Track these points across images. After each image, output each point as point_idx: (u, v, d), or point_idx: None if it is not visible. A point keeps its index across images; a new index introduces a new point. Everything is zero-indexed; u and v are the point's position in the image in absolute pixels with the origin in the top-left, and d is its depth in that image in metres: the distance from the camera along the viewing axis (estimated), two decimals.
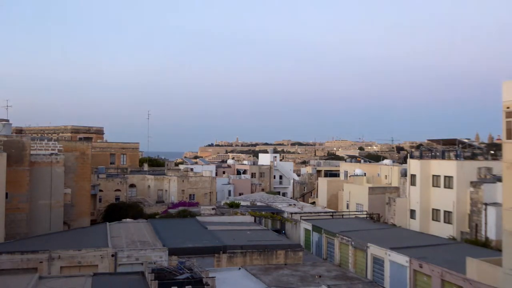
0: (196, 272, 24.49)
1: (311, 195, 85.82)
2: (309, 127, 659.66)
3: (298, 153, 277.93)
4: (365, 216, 56.31)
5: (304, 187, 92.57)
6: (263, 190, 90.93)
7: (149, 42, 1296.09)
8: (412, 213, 50.98)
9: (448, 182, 47.51)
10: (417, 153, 57.87)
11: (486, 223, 40.98)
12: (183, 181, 70.32)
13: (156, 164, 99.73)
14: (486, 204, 41.16)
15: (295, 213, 56.35)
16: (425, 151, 57.01)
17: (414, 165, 51.51)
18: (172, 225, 42.32)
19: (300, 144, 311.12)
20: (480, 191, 42.37)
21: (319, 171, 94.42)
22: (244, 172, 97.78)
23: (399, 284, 33.08)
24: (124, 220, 44.51)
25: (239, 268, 30.11)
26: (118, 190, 67.08)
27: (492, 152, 56.03)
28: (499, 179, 38.13)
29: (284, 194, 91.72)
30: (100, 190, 61.61)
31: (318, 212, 58.56)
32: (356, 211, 59.79)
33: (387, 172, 65.70)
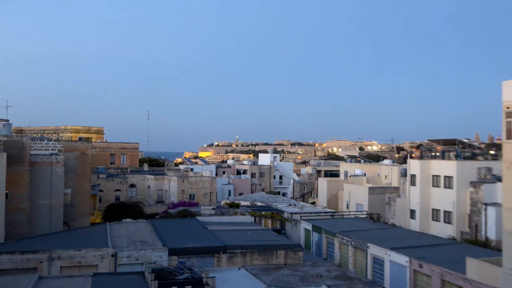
0: (196, 272, 24.48)
1: (311, 195, 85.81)
2: (309, 127, 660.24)
3: (298, 153, 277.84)
4: (365, 216, 56.30)
5: (304, 187, 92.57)
6: (263, 190, 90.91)
7: (150, 42, 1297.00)
8: (412, 213, 50.97)
9: (448, 182, 47.50)
10: (417, 153, 57.87)
11: (486, 223, 40.98)
12: (183, 181, 70.34)
13: (156, 164, 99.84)
14: (486, 204, 41.16)
15: (295, 213, 56.32)
16: (425, 151, 57.01)
17: (414, 165, 51.50)
18: (172, 225, 42.29)
19: (300, 144, 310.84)
20: (480, 191, 42.37)
21: (319, 171, 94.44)
22: (244, 172, 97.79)
23: (399, 284, 33.07)
24: (124, 220, 44.51)
25: (239, 268, 30.07)
26: (118, 190, 67.13)
27: (492, 152, 56.01)
28: (499, 179, 38.14)
29: (284, 194, 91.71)
30: (100, 190, 61.62)
31: (318, 212, 58.54)
32: (356, 211, 59.77)
33: (387, 172, 65.70)
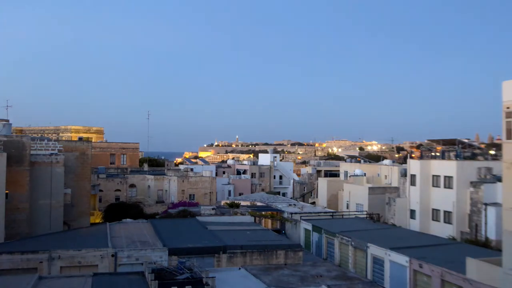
0: (196, 272, 24.49)
1: (311, 195, 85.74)
2: (309, 127, 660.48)
3: (298, 153, 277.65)
4: (365, 216, 56.27)
5: (304, 187, 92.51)
6: (263, 190, 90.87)
7: (149, 42, 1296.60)
8: (412, 213, 50.96)
9: (448, 182, 47.49)
10: (417, 153, 57.88)
11: (486, 223, 40.98)
12: (183, 181, 70.33)
13: (156, 164, 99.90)
14: (486, 204, 41.15)
15: (295, 213, 56.28)
16: (425, 151, 57.03)
17: (414, 165, 51.49)
18: (172, 225, 42.28)
19: (300, 144, 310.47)
20: (480, 191, 42.35)
21: (319, 171, 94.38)
22: (244, 172, 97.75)
23: (399, 284, 33.06)
24: (124, 220, 44.51)
25: (239, 268, 30.08)
26: (118, 190, 67.20)
27: (492, 152, 56.03)
28: (499, 179, 38.15)
29: (284, 194, 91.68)
30: (100, 190, 61.62)
31: (318, 212, 58.50)
32: (356, 211, 59.74)
33: (387, 172, 65.64)
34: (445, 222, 47.46)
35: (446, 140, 55.64)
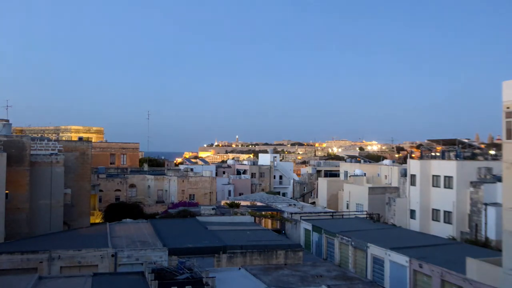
0: (196, 272, 24.50)
1: (311, 195, 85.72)
2: (309, 127, 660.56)
3: (298, 153, 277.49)
4: (365, 216, 56.25)
5: (304, 187, 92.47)
6: (263, 190, 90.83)
7: (149, 42, 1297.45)
8: (412, 213, 50.95)
9: (448, 182, 47.48)
10: (417, 153, 57.87)
11: (486, 223, 40.96)
12: (183, 181, 70.32)
13: (156, 164, 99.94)
14: (486, 204, 41.13)
15: (295, 213, 56.29)
16: (425, 151, 57.01)
17: (414, 165, 51.48)
18: (172, 225, 42.30)
19: (300, 144, 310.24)
20: (480, 191, 42.34)
21: (319, 171, 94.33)
22: (244, 172, 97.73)
23: (399, 284, 33.07)
24: (124, 220, 44.52)
25: (239, 268, 30.08)
26: (118, 190, 67.20)
27: (492, 152, 56.03)
28: (499, 179, 38.13)
29: (284, 194, 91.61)
30: (100, 190, 61.61)
31: (318, 212, 58.51)
32: (356, 211, 59.72)
33: (387, 172, 65.63)
34: (445, 222, 47.45)
35: (446, 140, 55.61)
